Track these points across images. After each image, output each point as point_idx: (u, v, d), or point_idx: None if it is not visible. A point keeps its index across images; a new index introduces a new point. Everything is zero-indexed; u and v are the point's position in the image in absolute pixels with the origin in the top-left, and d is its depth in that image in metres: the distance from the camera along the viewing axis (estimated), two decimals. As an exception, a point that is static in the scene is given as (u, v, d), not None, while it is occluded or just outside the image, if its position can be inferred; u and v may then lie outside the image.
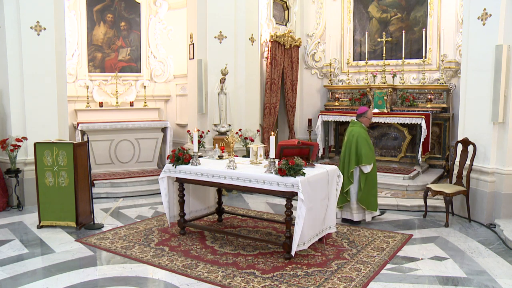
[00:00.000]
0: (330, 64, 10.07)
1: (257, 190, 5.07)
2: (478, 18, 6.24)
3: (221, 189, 6.33)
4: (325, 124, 9.60)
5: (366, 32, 9.70)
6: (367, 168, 5.95)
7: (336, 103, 9.88)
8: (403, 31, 9.15)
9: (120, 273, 4.54)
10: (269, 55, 9.11)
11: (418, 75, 9.16)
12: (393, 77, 9.25)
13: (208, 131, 8.18)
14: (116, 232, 5.85)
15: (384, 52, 9.37)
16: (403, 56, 9.18)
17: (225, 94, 8.14)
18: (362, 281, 4.29)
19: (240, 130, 8.04)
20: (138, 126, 9.00)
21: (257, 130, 8.62)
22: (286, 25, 9.97)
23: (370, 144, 6.10)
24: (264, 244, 5.32)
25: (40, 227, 5.99)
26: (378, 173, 8.27)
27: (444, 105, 8.78)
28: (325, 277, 4.37)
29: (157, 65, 9.91)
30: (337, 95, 9.96)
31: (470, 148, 6.34)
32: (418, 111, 8.69)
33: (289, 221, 4.87)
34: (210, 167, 5.37)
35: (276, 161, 4.97)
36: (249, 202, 7.49)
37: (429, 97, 8.84)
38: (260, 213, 6.84)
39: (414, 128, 8.81)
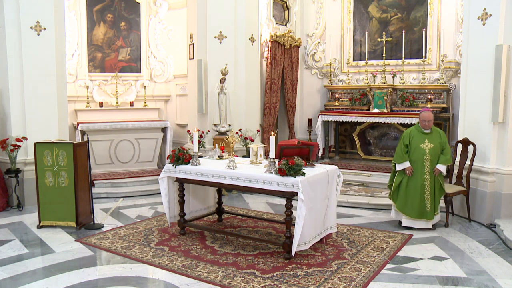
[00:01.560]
0: (330, 64, 10.06)
1: (257, 190, 5.07)
2: (478, 18, 6.24)
3: (221, 189, 6.33)
4: (325, 124, 9.62)
5: (366, 32, 9.69)
6: (396, 167, 5.92)
7: (336, 103, 9.88)
8: (403, 31, 9.14)
9: (120, 273, 4.54)
10: (269, 55, 9.11)
11: (418, 75, 9.16)
12: (393, 77, 9.24)
13: (208, 131, 8.18)
14: (116, 232, 5.85)
15: (384, 52, 9.37)
16: (403, 56, 9.18)
17: (225, 94, 8.14)
18: (362, 281, 4.29)
19: (240, 130, 8.03)
20: (138, 126, 9.00)
21: (257, 130, 8.62)
22: (286, 25, 9.97)
23: (409, 146, 5.85)
24: (264, 244, 5.32)
25: (40, 227, 5.99)
26: (378, 173, 8.37)
27: (444, 105, 8.77)
28: (325, 277, 4.37)
29: (157, 65, 9.91)
30: (337, 95, 9.96)
31: (470, 148, 6.34)
32: (418, 111, 8.66)
33: (289, 221, 4.87)
34: (210, 167, 5.37)
35: (276, 161, 4.97)
36: (249, 202, 7.49)
37: (429, 97, 8.84)
38: (260, 213, 6.84)
39: (414, 128, 8.82)
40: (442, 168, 5.76)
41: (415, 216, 5.86)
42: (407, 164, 5.82)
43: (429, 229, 5.88)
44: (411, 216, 5.88)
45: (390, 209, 6.86)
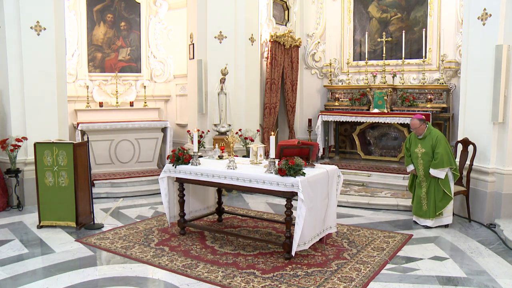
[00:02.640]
0: (330, 64, 10.06)
1: (257, 190, 5.07)
2: (478, 18, 6.24)
3: (221, 189, 6.33)
4: (325, 124, 9.61)
5: (366, 32, 9.69)
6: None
7: (336, 103, 9.88)
8: (403, 31, 9.14)
9: (120, 273, 4.54)
10: (269, 55, 9.11)
11: (418, 75, 9.16)
12: (393, 77, 9.24)
13: (208, 131, 8.18)
14: (116, 232, 5.85)
15: (384, 52, 9.37)
16: (403, 56, 9.18)
17: (225, 94, 8.14)
18: (362, 281, 4.29)
19: (240, 130, 8.04)
20: (138, 126, 9.00)
21: (257, 130, 8.62)
22: (286, 25, 9.97)
23: (410, 150, 6.17)
24: (264, 244, 5.32)
25: (40, 227, 5.99)
26: (378, 173, 8.38)
27: (444, 105, 8.77)
28: (325, 277, 4.37)
29: (157, 65, 9.91)
30: (337, 95, 9.96)
31: (470, 148, 6.34)
32: (418, 111, 8.68)
33: (289, 221, 4.87)
34: (210, 167, 5.37)
35: (276, 161, 4.97)
36: (249, 202, 7.49)
37: (429, 97, 8.84)
38: (260, 213, 6.84)
39: (414, 128, 8.81)
40: (433, 172, 5.83)
41: (413, 212, 6.17)
42: (410, 167, 6.18)
43: (430, 227, 5.94)
44: (412, 211, 6.22)
45: (390, 209, 6.91)
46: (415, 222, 6.16)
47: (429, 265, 4.70)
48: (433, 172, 5.82)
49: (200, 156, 5.95)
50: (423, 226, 6.02)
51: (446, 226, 5.99)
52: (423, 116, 6.10)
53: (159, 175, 5.91)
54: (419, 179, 6.05)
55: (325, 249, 5.14)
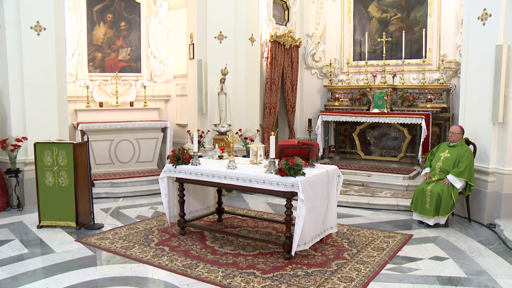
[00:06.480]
0: (330, 64, 10.07)
1: (257, 190, 5.07)
2: (478, 18, 6.24)
3: (221, 189, 6.33)
4: (325, 124, 9.61)
5: (366, 32, 9.70)
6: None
7: (336, 103, 9.89)
8: (403, 31, 9.15)
9: (120, 273, 4.54)
10: (269, 55, 9.11)
11: (418, 75, 9.16)
12: (393, 77, 9.25)
13: (208, 131, 8.17)
14: (116, 232, 5.85)
15: (384, 52, 9.37)
16: (403, 56, 9.18)
17: (225, 94, 8.14)
18: (362, 281, 4.29)
19: (240, 130, 8.03)
20: (138, 126, 9.00)
21: (257, 130, 8.61)
22: (286, 25, 9.97)
23: (434, 154, 6.38)
24: (264, 244, 5.32)
25: (40, 227, 5.99)
26: (378, 173, 8.40)
27: (444, 105, 8.78)
28: (325, 277, 4.37)
29: (157, 65, 9.91)
30: (337, 95, 9.96)
31: (470, 148, 6.33)
32: (418, 111, 8.69)
33: (289, 221, 4.87)
34: (210, 167, 5.37)
35: (276, 161, 4.97)
36: (249, 202, 7.49)
37: (429, 97, 8.84)
38: (260, 213, 6.84)
39: (414, 128, 8.82)
40: (451, 178, 5.92)
41: (413, 207, 6.18)
42: (426, 170, 6.39)
43: (430, 227, 5.96)
44: (412, 207, 6.22)
45: (390, 209, 6.91)
46: (420, 222, 6.12)
47: (429, 265, 4.70)
48: (451, 178, 5.91)
49: (200, 156, 5.95)
50: (425, 224, 6.03)
51: (446, 226, 5.99)
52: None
53: (159, 175, 5.91)
54: (431, 179, 6.14)
55: (325, 249, 5.14)
